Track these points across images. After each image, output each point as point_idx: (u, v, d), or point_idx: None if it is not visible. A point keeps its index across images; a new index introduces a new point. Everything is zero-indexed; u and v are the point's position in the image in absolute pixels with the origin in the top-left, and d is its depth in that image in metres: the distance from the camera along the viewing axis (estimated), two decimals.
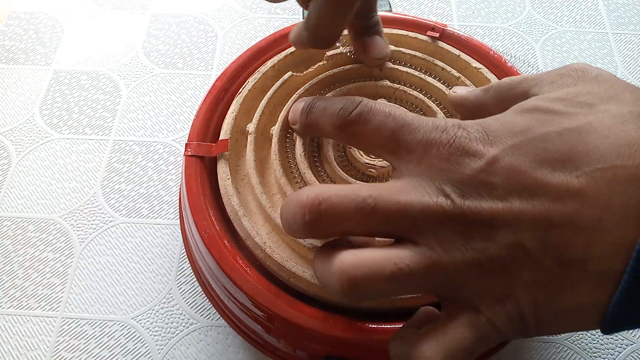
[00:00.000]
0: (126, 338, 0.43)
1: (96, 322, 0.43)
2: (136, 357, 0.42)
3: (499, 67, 0.43)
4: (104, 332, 0.43)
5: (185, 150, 0.39)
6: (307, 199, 0.27)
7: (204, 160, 0.38)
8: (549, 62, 0.59)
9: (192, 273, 0.44)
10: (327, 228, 0.28)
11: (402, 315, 0.33)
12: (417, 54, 0.43)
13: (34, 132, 0.53)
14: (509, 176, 0.26)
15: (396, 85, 0.41)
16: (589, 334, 0.43)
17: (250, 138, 0.38)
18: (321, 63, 0.42)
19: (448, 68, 0.42)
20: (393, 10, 0.51)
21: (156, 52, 0.59)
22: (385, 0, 0.50)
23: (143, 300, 0.44)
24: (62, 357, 0.42)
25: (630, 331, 0.43)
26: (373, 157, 0.39)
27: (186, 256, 0.44)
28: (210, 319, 0.43)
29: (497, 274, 0.26)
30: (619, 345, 0.42)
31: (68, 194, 0.50)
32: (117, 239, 0.47)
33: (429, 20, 0.44)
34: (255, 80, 0.41)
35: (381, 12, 0.46)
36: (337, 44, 0.43)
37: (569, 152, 0.26)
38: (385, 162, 0.38)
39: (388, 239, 0.28)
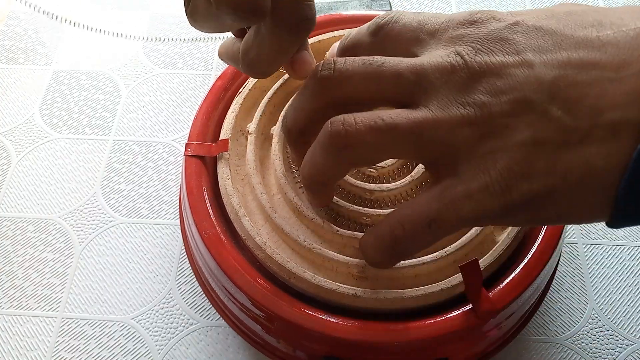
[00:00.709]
0: (126, 338, 0.43)
1: (96, 323, 0.43)
2: (136, 358, 0.42)
3: None
4: (103, 333, 0.43)
5: (185, 150, 0.39)
6: (324, 60, 0.29)
7: (204, 160, 0.38)
8: None
9: (192, 273, 0.44)
10: (338, 84, 0.28)
11: (402, 316, 0.33)
12: None
13: (33, 132, 0.53)
14: (528, 34, 0.26)
15: None
16: (589, 334, 0.43)
17: (250, 138, 0.38)
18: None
19: None
20: (393, 9, 0.51)
21: (156, 52, 0.59)
22: (386, 0, 0.50)
23: (143, 301, 0.44)
24: (61, 358, 0.42)
25: (631, 331, 0.43)
26: None
27: (186, 256, 0.44)
28: (210, 319, 0.43)
29: (493, 135, 0.25)
30: (619, 345, 0.42)
31: (68, 194, 0.50)
32: (116, 239, 0.47)
33: None
34: (256, 80, 0.41)
35: (381, 12, 0.47)
36: None
37: (592, 21, 0.25)
38: (384, 162, 0.38)
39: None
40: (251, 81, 0.41)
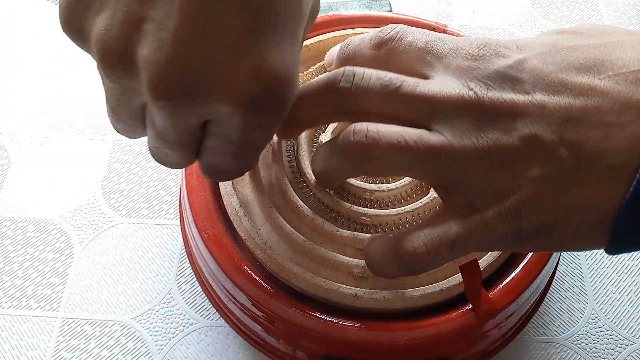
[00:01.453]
0: (126, 338, 0.43)
1: (96, 322, 0.43)
2: (136, 357, 0.42)
3: None
4: (104, 332, 0.43)
5: None
6: (345, 70, 0.30)
7: None
8: None
9: (192, 273, 0.44)
10: (354, 99, 0.30)
11: (403, 316, 0.33)
12: None
13: (34, 133, 0.53)
14: (534, 74, 0.27)
15: None
16: (589, 334, 0.43)
17: None
18: (321, 63, 0.42)
19: None
20: (393, 10, 0.51)
21: None
22: (386, 0, 0.50)
23: (143, 300, 0.44)
24: (62, 357, 0.42)
25: (631, 330, 0.43)
26: None
27: (186, 256, 0.44)
28: (210, 319, 0.43)
29: (504, 169, 0.27)
30: (619, 345, 0.43)
31: (68, 194, 0.50)
32: (117, 239, 0.47)
33: (430, 21, 0.45)
34: None
35: (382, 12, 0.47)
36: None
37: (594, 60, 0.27)
38: None
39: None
40: None
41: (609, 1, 0.64)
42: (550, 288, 0.42)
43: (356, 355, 0.33)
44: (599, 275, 0.46)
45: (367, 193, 0.37)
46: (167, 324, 0.43)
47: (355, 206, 0.36)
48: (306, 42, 0.43)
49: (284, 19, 0.26)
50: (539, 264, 0.35)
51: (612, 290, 0.45)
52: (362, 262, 0.34)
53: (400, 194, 0.37)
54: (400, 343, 0.32)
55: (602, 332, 0.43)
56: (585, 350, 0.42)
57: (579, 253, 0.46)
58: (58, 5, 0.26)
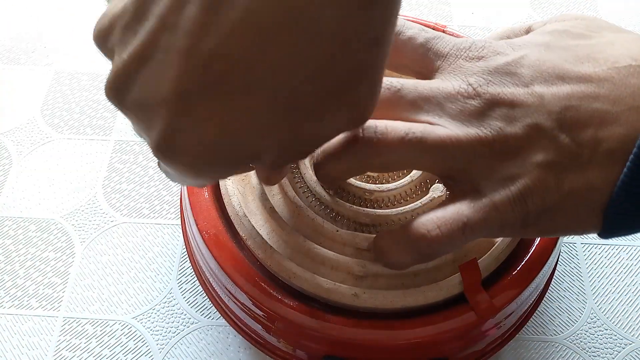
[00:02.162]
0: (127, 337, 0.43)
1: (97, 322, 0.44)
2: (137, 356, 0.42)
3: None
4: (105, 332, 0.43)
5: None
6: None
7: None
8: None
9: (193, 272, 0.44)
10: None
11: (403, 316, 0.33)
12: None
13: (35, 133, 0.53)
14: (532, 68, 0.29)
15: None
16: (587, 333, 0.43)
17: None
18: None
19: None
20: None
21: None
22: None
23: (144, 300, 0.45)
24: (63, 357, 0.42)
25: (630, 330, 0.43)
26: None
27: (187, 256, 0.45)
28: (211, 318, 0.44)
29: (509, 156, 0.28)
30: (617, 344, 0.43)
31: (69, 194, 0.50)
32: (118, 239, 0.47)
33: (429, 21, 0.45)
34: None
35: None
36: None
37: (589, 55, 0.28)
38: None
39: None
40: None
41: (609, 1, 0.65)
42: (549, 287, 0.42)
43: (356, 355, 0.33)
44: (597, 275, 0.46)
45: (367, 193, 0.37)
46: (168, 323, 0.44)
47: (355, 206, 0.36)
48: None
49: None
50: (537, 263, 0.35)
51: (610, 290, 0.45)
52: (362, 261, 0.34)
53: (400, 194, 0.37)
54: (399, 342, 0.32)
55: (601, 332, 0.43)
56: (584, 349, 0.43)
57: (577, 252, 0.47)
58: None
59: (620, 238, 0.47)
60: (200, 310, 0.44)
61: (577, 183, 0.27)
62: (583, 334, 0.43)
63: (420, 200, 0.36)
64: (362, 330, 0.32)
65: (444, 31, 0.44)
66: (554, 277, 0.44)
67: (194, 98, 0.22)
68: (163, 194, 0.50)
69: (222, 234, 0.36)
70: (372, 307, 0.33)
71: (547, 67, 0.28)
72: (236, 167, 0.27)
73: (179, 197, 0.47)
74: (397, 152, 0.29)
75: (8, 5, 0.63)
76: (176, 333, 0.43)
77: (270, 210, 0.36)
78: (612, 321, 0.44)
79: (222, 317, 0.40)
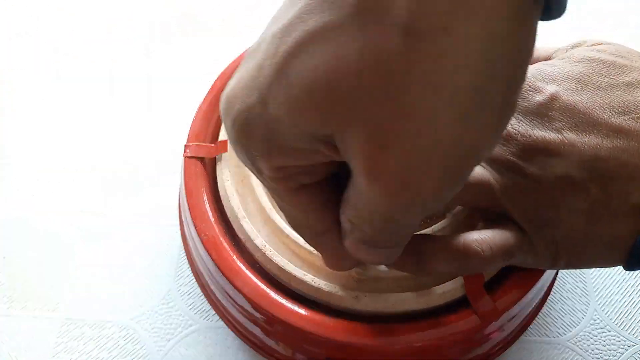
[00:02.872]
0: (125, 340, 0.43)
1: (95, 324, 0.43)
2: (135, 359, 0.42)
3: None
4: (102, 334, 0.43)
5: (184, 152, 0.38)
6: None
7: (204, 162, 0.38)
8: None
9: (192, 274, 0.44)
10: None
11: (404, 319, 0.33)
12: None
13: (35, 132, 0.53)
14: (564, 112, 0.29)
15: None
16: (591, 335, 0.43)
17: None
18: None
19: None
20: None
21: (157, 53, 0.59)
22: None
23: (142, 301, 0.44)
24: (61, 359, 0.42)
25: (633, 331, 0.43)
26: None
27: (185, 258, 0.44)
28: (210, 320, 0.43)
29: (543, 202, 0.29)
30: (621, 346, 0.42)
31: (69, 194, 0.50)
32: (116, 240, 0.47)
33: None
34: None
35: None
36: None
37: (621, 102, 0.29)
38: None
39: None
40: None
41: (609, 1, 0.64)
42: (552, 289, 0.42)
43: (357, 358, 0.33)
44: (600, 276, 0.45)
45: None
46: (166, 325, 0.43)
47: None
48: None
49: None
50: None
51: (614, 291, 0.45)
52: (362, 264, 0.33)
53: None
54: (401, 346, 0.32)
55: (604, 333, 0.43)
56: (588, 351, 0.42)
57: None
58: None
59: None
60: (199, 312, 0.44)
61: (605, 231, 0.29)
62: (586, 336, 0.43)
63: None
64: (363, 334, 0.32)
65: None
66: (557, 278, 0.43)
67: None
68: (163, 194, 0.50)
69: (220, 236, 0.35)
70: (373, 310, 0.33)
71: (579, 111, 0.29)
72: None
73: (178, 198, 0.47)
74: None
75: (8, 5, 0.63)
76: (175, 335, 0.43)
77: (269, 213, 0.35)
78: (616, 323, 0.43)
79: (221, 319, 0.39)
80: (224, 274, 0.34)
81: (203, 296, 0.43)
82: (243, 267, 0.34)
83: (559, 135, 0.29)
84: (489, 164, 0.30)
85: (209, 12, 0.62)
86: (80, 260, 0.46)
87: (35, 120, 0.54)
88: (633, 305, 0.44)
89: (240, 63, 0.23)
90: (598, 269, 0.46)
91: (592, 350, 0.42)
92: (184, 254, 0.44)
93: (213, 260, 0.34)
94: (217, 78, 0.42)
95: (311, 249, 0.34)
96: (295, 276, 0.33)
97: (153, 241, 0.47)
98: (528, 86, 0.31)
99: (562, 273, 0.45)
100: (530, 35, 0.19)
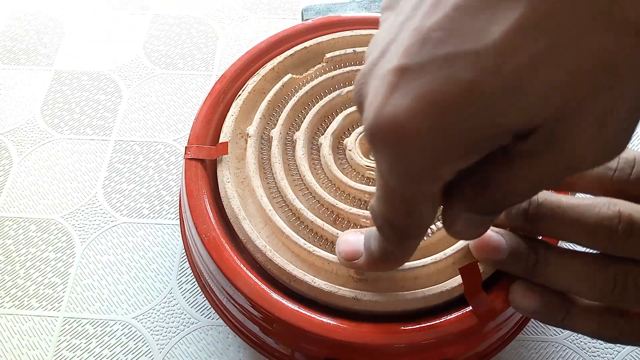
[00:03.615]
0: (127, 337, 0.43)
1: (97, 322, 0.44)
2: (137, 356, 0.42)
3: None
4: (105, 332, 0.43)
5: (185, 153, 0.39)
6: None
7: (204, 163, 0.39)
8: None
9: (193, 274, 0.44)
10: None
11: (403, 318, 0.33)
12: None
13: (35, 133, 0.54)
14: None
15: None
16: None
17: (250, 141, 0.39)
18: (320, 65, 0.43)
19: None
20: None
21: (157, 53, 0.59)
22: None
23: (144, 300, 0.45)
24: (63, 357, 0.42)
25: None
26: (372, 159, 0.39)
27: (186, 258, 0.45)
28: (211, 318, 0.44)
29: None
30: (618, 344, 0.43)
31: (69, 194, 0.50)
32: (118, 239, 0.47)
33: None
34: (255, 82, 0.41)
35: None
36: None
37: None
38: None
39: None
40: (250, 84, 0.41)
41: None
42: None
43: (356, 358, 0.33)
44: None
45: (366, 195, 0.37)
46: (168, 323, 0.44)
47: (355, 208, 0.36)
48: (305, 44, 0.43)
49: None
50: None
51: None
52: None
53: None
54: (400, 345, 0.32)
55: None
56: (584, 349, 0.43)
57: None
58: None
59: None
60: (200, 310, 0.44)
61: None
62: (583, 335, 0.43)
63: None
64: (363, 334, 0.32)
65: None
66: None
67: None
68: (163, 194, 0.50)
69: (221, 237, 0.36)
70: (372, 310, 0.33)
71: None
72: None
73: (179, 198, 0.47)
74: None
75: (8, 5, 0.63)
76: (176, 333, 0.43)
77: (270, 213, 0.36)
78: None
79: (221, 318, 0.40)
80: (224, 275, 0.34)
81: (204, 295, 0.43)
82: (243, 268, 0.34)
83: None
84: None
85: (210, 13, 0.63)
86: (82, 259, 0.46)
87: (35, 120, 0.54)
88: None
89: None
90: None
91: (589, 349, 0.43)
92: (185, 254, 0.44)
93: (214, 260, 0.35)
94: (217, 81, 0.42)
95: (311, 249, 0.34)
96: (295, 276, 0.34)
97: (155, 241, 0.47)
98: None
99: None
100: None
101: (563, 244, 0.36)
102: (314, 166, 0.39)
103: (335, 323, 0.33)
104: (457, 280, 0.34)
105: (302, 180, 0.37)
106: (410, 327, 0.33)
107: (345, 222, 0.36)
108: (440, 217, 0.28)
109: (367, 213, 0.36)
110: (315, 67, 0.42)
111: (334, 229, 0.35)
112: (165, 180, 0.51)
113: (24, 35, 0.61)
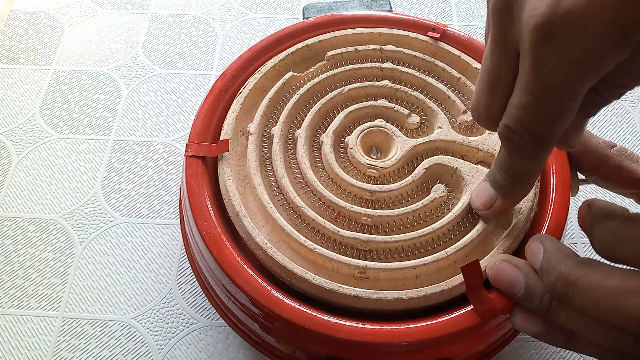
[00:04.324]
0: (127, 338, 0.43)
1: (97, 322, 0.43)
2: (137, 357, 0.42)
3: None
4: (104, 332, 0.43)
5: (186, 151, 0.39)
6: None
7: (205, 161, 0.38)
8: None
9: (193, 273, 0.44)
10: None
11: (403, 316, 0.33)
12: (418, 54, 0.43)
13: (34, 132, 0.53)
14: None
15: (397, 86, 0.41)
16: None
17: (251, 138, 0.39)
18: (322, 63, 0.42)
19: (449, 69, 0.42)
20: (393, 10, 0.51)
21: (156, 52, 0.59)
22: (386, 0, 0.50)
23: (143, 300, 0.44)
24: (62, 357, 0.42)
25: None
26: (374, 157, 0.39)
27: (186, 256, 0.44)
28: (211, 318, 0.44)
29: None
30: None
31: (68, 193, 0.50)
32: (117, 239, 0.47)
33: (430, 21, 0.44)
34: (256, 80, 0.41)
35: (381, 12, 0.46)
36: None
37: None
38: (385, 162, 0.38)
39: None
40: (251, 81, 0.41)
41: None
42: None
43: (357, 356, 0.33)
44: None
45: (367, 194, 0.37)
46: (168, 323, 0.43)
47: (356, 207, 0.36)
48: (306, 42, 0.43)
49: None
50: None
51: None
52: (363, 262, 0.34)
53: (402, 195, 0.37)
54: (401, 343, 0.32)
55: None
56: None
57: (578, 252, 0.46)
58: None
59: None
60: (200, 310, 0.44)
61: None
62: None
63: (421, 201, 0.36)
64: (363, 332, 0.32)
65: (444, 31, 0.44)
66: None
67: None
68: (162, 194, 0.50)
69: (222, 234, 0.35)
70: (373, 308, 0.33)
71: None
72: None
73: (179, 196, 0.47)
74: None
75: (7, 5, 0.63)
76: (176, 333, 0.43)
77: (271, 211, 0.35)
78: None
79: (221, 318, 0.39)
80: (225, 272, 0.34)
81: (204, 295, 0.43)
82: (244, 265, 0.34)
83: None
84: None
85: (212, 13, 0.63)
86: (81, 259, 0.46)
87: (34, 119, 0.54)
88: None
89: None
90: None
91: None
92: (185, 253, 0.44)
93: (214, 258, 0.35)
94: (218, 79, 0.42)
95: (312, 247, 0.34)
96: (296, 274, 0.33)
97: (154, 241, 0.47)
98: None
99: None
100: None
101: None
102: (315, 164, 0.38)
103: (336, 321, 0.32)
104: (459, 279, 0.34)
105: (303, 178, 0.37)
106: (411, 326, 0.33)
107: (346, 219, 0.36)
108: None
109: (369, 211, 0.36)
110: (317, 65, 0.42)
111: (335, 227, 0.35)
112: (164, 180, 0.50)
113: (23, 35, 0.61)
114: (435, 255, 0.34)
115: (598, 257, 0.30)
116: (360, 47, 0.43)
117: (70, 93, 0.56)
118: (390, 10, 0.49)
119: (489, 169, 0.35)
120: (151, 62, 0.58)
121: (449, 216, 0.36)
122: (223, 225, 0.36)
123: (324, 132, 0.39)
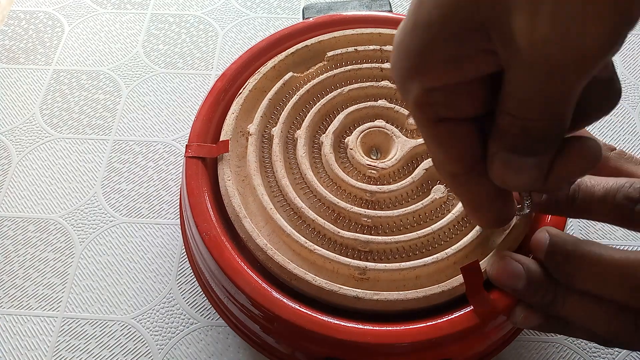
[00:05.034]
0: (126, 338, 0.43)
1: (96, 322, 0.43)
2: (137, 357, 0.42)
3: None
4: (104, 332, 0.43)
5: (185, 152, 0.39)
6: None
7: (205, 162, 0.38)
8: None
9: (192, 273, 0.44)
10: None
11: (403, 317, 0.33)
12: None
13: (34, 132, 0.53)
14: None
15: None
16: None
17: (251, 139, 0.39)
18: (322, 64, 0.42)
19: None
20: (393, 10, 0.51)
21: (156, 52, 0.59)
22: (386, 0, 0.50)
23: (143, 300, 0.44)
24: (62, 357, 0.42)
25: None
26: (374, 157, 0.39)
27: (186, 257, 0.45)
28: (211, 318, 0.44)
29: None
30: None
31: (68, 193, 0.50)
32: (117, 239, 0.47)
33: None
34: (256, 80, 0.41)
35: (382, 12, 0.46)
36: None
37: None
38: (385, 163, 0.38)
39: None
40: (251, 82, 0.41)
41: None
42: None
43: (357, 357, 0.33)
44: None
45: (367, 194, 0.37)
46: (168, 323, 0.43)
47: (356, 207, 0.36)
48: (306, 43, 0.43)
49: None
50: None
51: None
52: (363, 263, 0.34)
53: (401, 195, 0.37)
54: (401, 344, 0.32)
55: None
56: (585, 349, 0.42)
57: None
58: None
59: (621, 238, 0.47)
60: (200, 310, 0.44)
61: None
62: None
63: (421, 202, 0.36)
64: (363, 333, 0.32)
65: None
66: None
67: None
68: (162, 194, 0.50)
69: (222, 235, 0.35)
70: (373, 309, 0.33)
71: None
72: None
73: (179, 196, 0.47)
74: None
75: (7, 4, 0.63)
76: (176, 333, 0.43)
77: (271, 212, 0.35)
78: None
79: (221, 318, 0.39)
80: (225, 273, 0.34)
81: (204, 295, 0.43)
82: (244, 266, 0.34)
83: None
84: None
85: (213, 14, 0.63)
86: (81, 259, 0.46)
87: (34, 119, 0.54)
88: None
89: None
90: None
91: (590, 349, 0.43)
92: (185, 253, 0.44)
93: (214, 259, 0.35)
94: (218, 79, 0.42)
95: (312, 247, 0.34)
96: (296, 275, 0.33)
97: (154, 241, 0.47)
98: None
99: None
100: None
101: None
102: (315, 165, 0.38)
103: (336, 322, 0.32)
104: (458, 279, 0.34)
105: (303, 179, 0.37)
106: (411, 327, 0.33)
107: (346, 220, 0.36)
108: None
109: (369, 212, 0.36)
110: (317, 66, 0.42)
111: (335, 228, 0.35)
112: (164, 180, 0.50)
113: (23, 35, 0.61)
114: (435, 256, 0.34)
115: None
116: (360, 48, 0.43)
117: (70, 93, 0.56)
118: (390, 11, 0.49)
119: None
120: (151, 61, 0.58)
121: (449, 217, 0.36)
122: (223, 226, 0.36)
123: (324, 133, 0.39)
